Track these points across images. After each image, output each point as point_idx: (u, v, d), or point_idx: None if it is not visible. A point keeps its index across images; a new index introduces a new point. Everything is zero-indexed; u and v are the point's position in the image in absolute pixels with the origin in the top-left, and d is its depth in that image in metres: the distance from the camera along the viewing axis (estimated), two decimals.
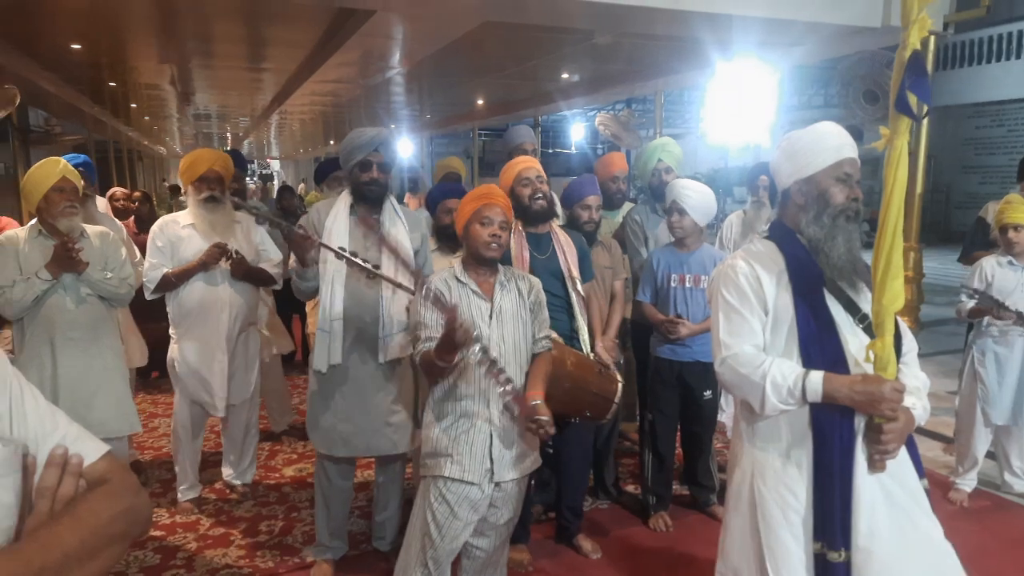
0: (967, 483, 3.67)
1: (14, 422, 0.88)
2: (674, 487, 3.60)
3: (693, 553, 3.16)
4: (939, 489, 3.69)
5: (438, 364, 2.10)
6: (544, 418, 2.12)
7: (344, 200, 2.81)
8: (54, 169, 2.90)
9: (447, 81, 8.74)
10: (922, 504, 1.73)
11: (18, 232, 2.96)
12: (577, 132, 14.26)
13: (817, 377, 1.66)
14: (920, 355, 1.87)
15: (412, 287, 2.74)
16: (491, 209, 2.27)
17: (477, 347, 2.11)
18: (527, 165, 3.04)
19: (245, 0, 4.48)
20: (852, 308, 1.77)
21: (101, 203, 4.71)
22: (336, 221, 2.73)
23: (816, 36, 4.80)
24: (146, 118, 13.70)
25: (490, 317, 2.24)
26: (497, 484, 2.24)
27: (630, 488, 3.78)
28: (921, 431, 4.29)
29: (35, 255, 2.87)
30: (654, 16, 4.10)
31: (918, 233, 4.93)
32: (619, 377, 2.96)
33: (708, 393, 3.32)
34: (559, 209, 3.43)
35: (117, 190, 5.64)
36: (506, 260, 2.89)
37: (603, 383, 2.84)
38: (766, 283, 1.78)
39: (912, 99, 1.59)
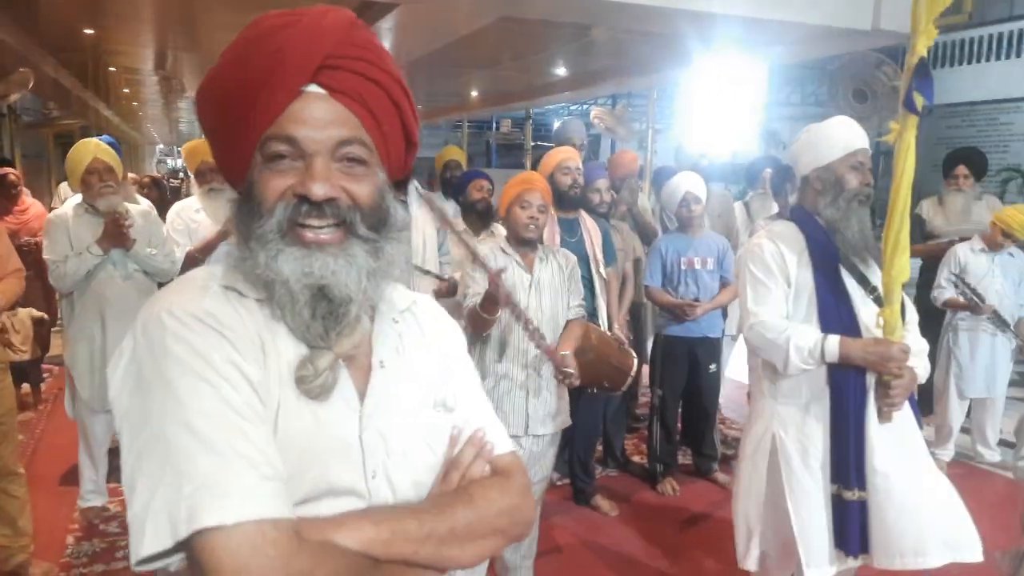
0: (945, 453, 3.98)
1: (458, 398, 0.99)
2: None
3: (701, 512, 3.44)
4: None
5: (483, 316, 2.34)
6: (571, 368, 2.38)
7: None
8: (87, 150, 3.03)
9: (444, 73, 8.89)
10: (923, 450, 2.00)
11: (65, 210, 3.10)
12: None
13: (834, 340, 1.91)
14: None
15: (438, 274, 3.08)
16: (531, 194, 2.51)
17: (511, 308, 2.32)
18: (569, 156, 3.29)
19: None
20: (864, 281, 2.02)
21: None
22: None
23: (798, 36, 4.84)
24: (134, 103, 13.63)
25: (529, 287, 2.51)
26: (533, 437, 2.48)
27: (636, 458, 4.04)
28: None
29: (83, 231, 3.00)
30: (647, 13, 4.15)
31: None
32: (634, 353, 3.21)
33: (713, 367, 3.59)
34: None
35: (130, 175, 5.76)
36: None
37: (622, 357, 3.09)
38: (789, 259, 2.02)
39: (918, 99, 1.84)
